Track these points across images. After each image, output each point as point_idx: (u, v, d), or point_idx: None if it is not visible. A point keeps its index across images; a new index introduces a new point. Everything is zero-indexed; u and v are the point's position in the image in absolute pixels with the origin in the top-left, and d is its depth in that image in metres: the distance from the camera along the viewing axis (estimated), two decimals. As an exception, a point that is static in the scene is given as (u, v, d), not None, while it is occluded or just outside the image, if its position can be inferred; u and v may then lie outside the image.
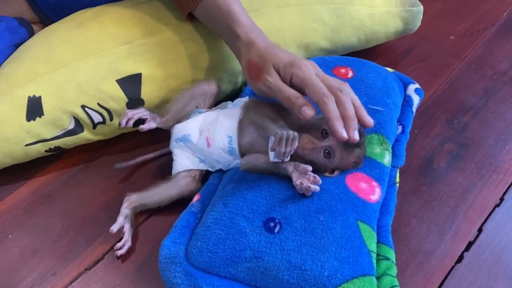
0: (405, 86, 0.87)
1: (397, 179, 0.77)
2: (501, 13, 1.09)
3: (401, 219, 0.75)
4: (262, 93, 0.71)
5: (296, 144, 0.65)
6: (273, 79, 0.68)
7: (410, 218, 0.76)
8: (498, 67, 0.97)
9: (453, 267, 0.71)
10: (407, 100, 0.85)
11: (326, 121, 0.64)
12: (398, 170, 0.78)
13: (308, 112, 0.63)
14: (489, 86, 0.94)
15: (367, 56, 0.95)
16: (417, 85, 0.88)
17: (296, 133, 0.65)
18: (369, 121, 0.65)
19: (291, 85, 0.67)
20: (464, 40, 1.03)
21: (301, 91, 0.66)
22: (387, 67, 0.90)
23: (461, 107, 0.91)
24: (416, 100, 0.86)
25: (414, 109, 0.85)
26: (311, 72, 0.66)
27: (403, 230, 0.74)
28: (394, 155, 0.78)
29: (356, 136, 0.62)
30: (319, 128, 0.68)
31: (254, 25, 0.74)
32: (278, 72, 0.68)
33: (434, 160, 0.83)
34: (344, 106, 0.64)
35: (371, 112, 0.77)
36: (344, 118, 0.63)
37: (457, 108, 0.91)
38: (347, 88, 0.66)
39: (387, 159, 0.75)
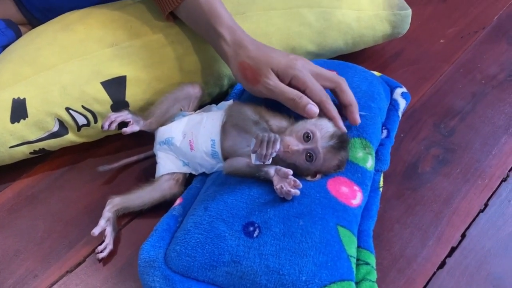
0: (392, 90, 0.87)
1: (381, 184, 0.77)
2: (492, 17, 1.08)
3: (384, 223, 0.75)
4: (260, 95, 0.72)
5: (277, 146, 0.64)
6: (274, 81, 0.70)
7: (393, 223, 0.75)
8: (487, 71, 0.97)
9: (435, 273, 0.70)
10: (393, 104, 0.85)
11: (331, 120, 0.70)
12: (382, 175, 0.78)
13: (314, 109, 0.68)
14: (478, 90, 0.94)
15: (355, 59, 0.95)
16: (404, 89, 0.87)
17: (277, 136, 0.65)
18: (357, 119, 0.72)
19: (289, 85, 0.70)
20: (454, 43, 1.03)
21: (300, 91, 0.70)
22: (375, 70, 0.90)
23: (449, 111, 0.91)
24: (402, 104, 0.85)
25: (400, 113, 0.85)
26: (310, 73, 0.71)
27: (386, 235, 0.74)
28: (378, 159, 0.78)
29: (359, 119, 0.73)
30: (301, 131, 0.68)
31: (237, 25, 0.74)
32: (277, 74, 0.70)
33: (420, 164, 0.83)
34: (348, 94, 0.72)
35: (355, 117, 0.77)
36: (352, 104, 0.72)
37: (445, 112, 0.90)
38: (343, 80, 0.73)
39: (370, 163, 0.74)
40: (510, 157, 0.83)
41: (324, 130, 0.67)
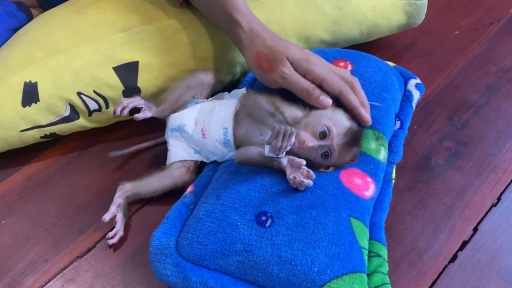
0: (406, 81, 0.86)
1: (393, 175, 0.76)
2: (508, 9, 1.07)
3: (396, 216, 0.74)
4: (274, 84, 0.72)
5: (292, 140, 0.64)
6: (290, 71, 0.70)
7: (405, 215, 0.75)
8: (502, 64, 0.96)
9: (446, 266, 0.70)
10: (407, 95, 0.84)
11: (351, 109, 0.70)
12: (394, 166, 0.77)
13: (327, 100, 0.69)
14: (492, 83, 0.93)
15: (369, 49, 0.94)
16: (418, 80, 0.86)
17: (294, 129, 0.64)
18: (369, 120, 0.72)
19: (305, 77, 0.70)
20: (469, 35, 1.02)
21: (316, 84, 0.70)
22: (389, 61, 0.89)
23: (462, 104, 0.90)
24: (416, 95, 0.85)
25: (413, 105, 0.84)
26: (325, 67, 0.71)
27: (398, 227, 0.74)
28: (391, 151, 0.77)
29: (370, 120, 0.72)
30: (317, 126, 0.67)
31: (252, 14, 0.74)
32: (292, 65, 0.70)
33: (432, 157, 0.82)
34: (361, 95, 0.71)
35: (368, 108, 0.76)
36: (364, 105, 0.71)
37: (458, 105, 0.90)
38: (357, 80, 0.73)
39: (382, 155, 0.74)
40: (524, 151, 0.83)
41: (340, 126, 0.67)
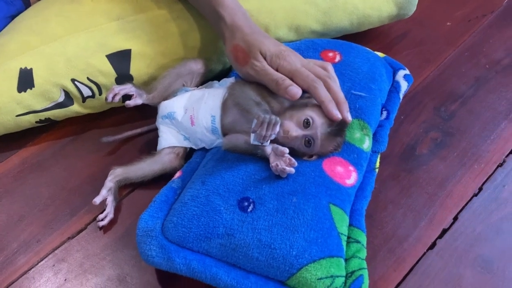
0: (395, 72, 0.88)
1: (377, 164, 0.78)
2: (501, 1, 1.07)
3: (378, 203, 0.76)
4: (248, 77, 0.73)
5: (277, 129, 0.66)
6: (261, 63, 0.71)
7: (387, 203, 0.77)
8: (492, 56, 0.97)
9: (425, 253, 0.72)
10: (395, 86, 0.86)
11: (320, 104, 0.68)
12: (379, 156, 0.79)
13: (295, 90, 0.68)
14: (481, 75, 0.94)
15: (360, 39, 0.96)
16: (406, 71, 0.88)
17: (278, 118, 0.66)
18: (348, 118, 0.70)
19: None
20: (461, 27, 1.03)
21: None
22: (380, 51, 0.90)
23: (450, 95, 0.91)
24: (404, 86, 0.86)
25: (401, 95, 0.86)
26: (297, 63, 0.71)
27: (379, 214, 0.76)
28: (376, 140, 0.79)
29: (350, 117, 0.70)
30: (301, 116, 0.69)
31: (238, 7, 0.75)
32: (265, 59, 0.71)
33: (417, 147, 0.84)
34: (334, 91, 0.70)
35: (354, 98, 0.78)
36: (336, 103, 0.69)
37: (446, 96, 0.91)
38: (331, 71, 0.72)
39: (366, 144, 0.76)
40: (509, 142, 0.84)
41: (323, 116, 0.68)
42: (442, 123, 0.87)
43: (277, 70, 0.70)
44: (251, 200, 0.66)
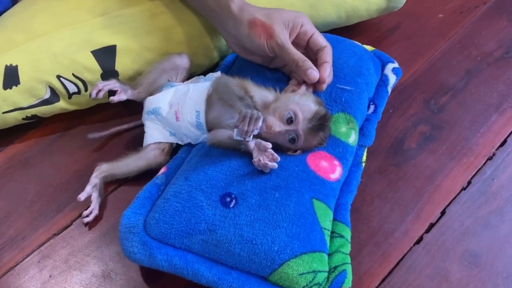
0: (384, 65, 0.87)
1: (364, 158, 0.77)
2: (494, -9, 1.06)
3: (365, 198, 0.76)
4: (270, 52, 0.74)
5: (259, 124, 0.65)
6: (285, 38, 0.73)
7: (373, 198, 0.76)
8: (483, 48, 0.96)
9: (411, 248, 0.71)
10: (383, 80, 0.85)
11: (322, 64, 0.73)
12: (365, 150, 0.78)
13: (314, 74, 0.71)
14: (472, 67, 0.93)
15: (350, 33, 0.95)
16: (395, 64, 0.87)
17: (260, 114, 0.66)
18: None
19: (298, 34, 0.74)
20: (452, 18, 1.01)
21: (303, 45, 0.75)
22: (370, 44, 0.90)
23: (441, 87, 0.90)
24: (392, 79, 0.85)
25: (389, 89, 0.85)
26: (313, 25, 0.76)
27: (365, 209, 0.75)
28: (362, 134, 0.78)
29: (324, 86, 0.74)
30: (284, 112, 0.68)
31: None
32: (288, 26, 0.73)
33: (406, 140, 0.83)
34: (330, 56, 0.75)
35: (340, 92, 0.77)
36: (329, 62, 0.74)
37: (436, 89, 0.90)
38: None
39: (352, 139, 0.75)
40: (499, 135, 0.83)
41: (306, 111, 0.68)
42: (431, 116, 0.86)
43: (300, 29, 0.73)
44: (233, 195, 0.66)
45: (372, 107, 0.82)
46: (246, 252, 0.62)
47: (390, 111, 0.86)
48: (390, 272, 0.69)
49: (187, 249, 0.65)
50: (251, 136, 0.67)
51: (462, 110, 0.87)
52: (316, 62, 0.74)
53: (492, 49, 0.96)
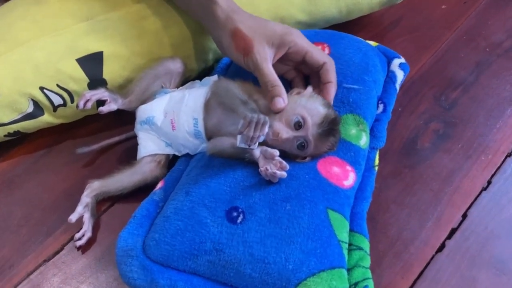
0: (389, 61, 0.82)
1: (376, 162, 0.72)
2: (498, -21, 1.01)
3: (380, 204, 0.70)
4: (248, 68, 0.68)
5: (266, 129, 0.60)
6: (261, 57, 0.65)
7: (389, 204, 0.71)
8: (492, 39, 0.91)
9: (433, 256, 0.66)
10: (390, 77, 0.80)
11: (326, 83, 0.67)
12: (377, 152, 0.73)
13: (280, 103, 0.63)
14: (482, 60, 0.88)
15: (351, 28, 0.90)
16: (402, 60, 0.82)
17: (267, 118, 0.60)
18: None
19: (287, 54, 0.67)
20: (456, 9, 0.97)
21: (297, 61, 0.69)
22: (372, 40, 0.84)
23: (450, 82, 0.85)
24: (400, 76, 0.80)
25: (397, 86, 0.79)
26: (307, 40, 0.68)
27: (381, 216, 0.70)
28: (373, 136, 0.73)
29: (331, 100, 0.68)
30: (291, 116, 0.63)
31: None
32: (273, 44, 0.66)
33: (418, 140, 0.78)
34: (333, 75, 0.68)
35: (347, 91, 0.71)
36: (333, 82, 0.68)
37: (446, 84, 0.85)
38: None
39: (363, 141, 0.69)
40: (516, 130, 0.78)
41: (315, 115, 0.63)
42: (443, 113, 0.81)
43: (289, 49, 0.67)
44: (240, 210, 0.60)
45: (381, 106, 0.76)
46: (258, 273, 0.56)
47: (399, 109, 0.81)
48: (413, 285, 0.64)
49: (192, 272, 0.59)
50: (257, 144, 0.61)
51: (475, 105, 0.82)
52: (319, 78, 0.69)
53: (500, 39, 0.91)
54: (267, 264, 0.56)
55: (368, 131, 0.71)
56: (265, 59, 0.65)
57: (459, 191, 0.72)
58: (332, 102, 0.67)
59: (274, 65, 0.69)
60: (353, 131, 0.69)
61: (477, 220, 0.69)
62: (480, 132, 0.78)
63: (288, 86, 0.72)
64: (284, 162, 0.60)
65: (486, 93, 0.83)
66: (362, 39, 0.80)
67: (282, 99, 0.63)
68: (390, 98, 0.78)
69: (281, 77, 0.73)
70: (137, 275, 0.59)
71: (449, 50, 0.90)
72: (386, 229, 0.69)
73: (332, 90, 0.67)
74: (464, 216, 0.70)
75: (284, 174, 0.60)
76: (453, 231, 0.68)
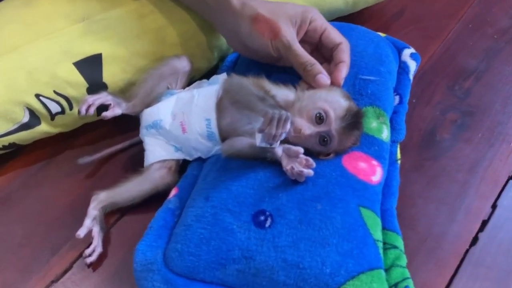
0: (399, 52, 0.79)
1: (398, 156, 0.69)
2: (498, -35, 1.00)
3: (405, 200, 0.67)
4: (274, 53, 0.65)
5: (288, 126, 0.55)
6: (291, 37, 0.63)
7: (415, 199, 0.68)
8: (498, 25, 0.89)
9: (467, 250, 0.63)
10: (403, 67, 0.77)
11: (339, 63, 0.63)
12: (398, 146, 0.70)
13: (325, 80, 0.62)
14: (490, 47, 0.86)
15: (354, 21, 0.86)
16: (412, 50, 0.79)
17: (289, 114, 0.56)
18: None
19: (307, 31, 0.66)
20: (459, -2, 0.95)
21: (315, 42, 0.66)
22: (377, 32, 0.81)
23: (462, 71, 0.83)
24: (412, 66, 0.77)
25: (411, 76, 0.77)
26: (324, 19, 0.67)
27: (408, 212, 0.66)
28: (392, 128, 0.69)
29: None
30: (312, 110, 0.59)
31: None
32: (295, 23, 0.65)
33: (437, 131, 0.75)
34: (348, 54, 0.66)
35: (363, 83, 0.68)
36: (345, 62, 0.65)
37: (458, 73, 0.83)
38: None
39: (385, 134, 0.66)
40: (535, 115, 0.76)
41: (337, 109, 0.59)
42: (458, 102, 0.78)
43: (309, 25, 0.65)
44: (267, 213, 0.55)
45: (397, 98, 0.73)
46: (292, 279, 0.52)
47: (414, 101, 0.78)
48: (450, 282, 0.61)
49: (220, 283, 0.54)
50: (279, 142, 0.57)
51: (490, 93, 0.79)
52: (331, 60, 0.66)
53: (507, 25, 0.89)
54: (303, 269, 0.52)
55: (389, 124, 0.68)
56: (294, 40, 0.63)
57: (485, 181, 0.69)
58: (342, 82, 0.64)
59: None
60: (374, 124, 0.66)
61: (508, 210, 0.67)
62: (498, 120, 0.76)
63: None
64: (310, 159, 0.56)
65: (500, 80, 0.81)
66: (371, 30, 0.77)
67: (325, 75, 0.62)
68: (405, 89, 0.75)
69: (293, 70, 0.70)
70: (160, 291, 0.54)
71: (456, 39, 0.87)
72: (415, 226, 0.65)
73: (344, 69, 0.64)
74: (494, 206, 0.67)
75: (311, 172, 0.56)
76: (484, 223, 0.65)
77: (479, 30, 0.89)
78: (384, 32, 0.82)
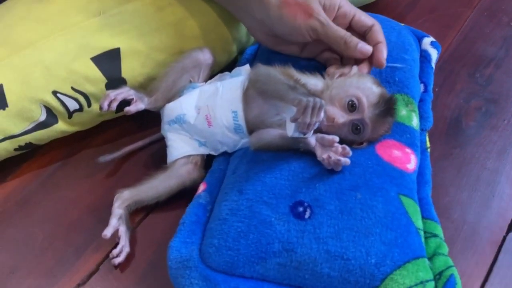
0: (419, 40, 0.77)
1: (428, 144, 0.67)
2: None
3: (437, 188, 0.65)
4: (307, 35, 0.63)
5: (322, 114, 0.53)
6: (325, 16, 0.62)
7: (447, 187, 0.66)
8: (513, 13, 0.89)
9: (505, 237, 0.62)
10: (425, 56, 0.76)
11: (376, 44, 0.62)
12: (426, 134, 0.68)
13: (367, 47, 0.62)
14: (508, 34, 0.86)
15: (369, 11, 0.85)
16: (432, 38, 0.78)
17: (323, 101, 0.54)
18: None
19: (336, 16, 0.64)
20: (471, -13, 0.94)
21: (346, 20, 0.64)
22: (393, 22, 0.80)
23: (481, 59, 0.82)
24: (434, 54, 0.76)
25: (433, 65, 0.75)
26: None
27: (442, 201, 0.65)
28: (420, 117, 0.68)
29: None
30: (344, 98, 0.57)
31: None
32: (323, 5, 0.63)
33: (462, 119, 0.74)
34: (382, 33, 0.64)
35: (390, 70, 0.67)
36: (383, 42, 0.63)
37: (477, 61, 0.82)
38: None
39: (415, 122, 0.65)
40: (558, 99, 0.75)
41: (370, 95, 0.58)
42: (481, 89, 0.78)
43: (338, 10, 0.63)
44: (306, 204, 0.54)
45: (422, 86, 0.72)
46: (337, 271, 0.51)
47: (436, 89, 0.77)
48: (490, 270, 0.59)
49: (261, 277, 0.52)
50: (312, 131, 0.55)
51: (511, 80, 0.78)
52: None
53: (522, 13, 0.89)
54: (347, 260, 0.50)
55: (417, 111, 0.67)
56: (327, 17, 0.62)
57: (515, 167, 0.68)
58: (385, 62, 0.62)
59: (309, 45, 0.66)
60: (404, 112, 0.65)
61: (541, 195, 0.65)
62: (523, 105, 0.75)
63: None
64: (347, 148, 0.55)
65: (520, 66, 0.80)
66: (391, 19, 0.76)
67: (366, 44, 0.62)
68: (429, 77, 0.74)
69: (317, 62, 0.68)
70: (199, 288, 0.52)
71: (473, 27, 0.87)
72: (449, 214, 0.64)
73: (384, 49, 0.63)
74: (526, 192, 0.66)
75: (348, 161, 0.55)
76: (518, 209, 0.64)
77: (495, 18, 0.88)
78: (400, 22, 0.81)
